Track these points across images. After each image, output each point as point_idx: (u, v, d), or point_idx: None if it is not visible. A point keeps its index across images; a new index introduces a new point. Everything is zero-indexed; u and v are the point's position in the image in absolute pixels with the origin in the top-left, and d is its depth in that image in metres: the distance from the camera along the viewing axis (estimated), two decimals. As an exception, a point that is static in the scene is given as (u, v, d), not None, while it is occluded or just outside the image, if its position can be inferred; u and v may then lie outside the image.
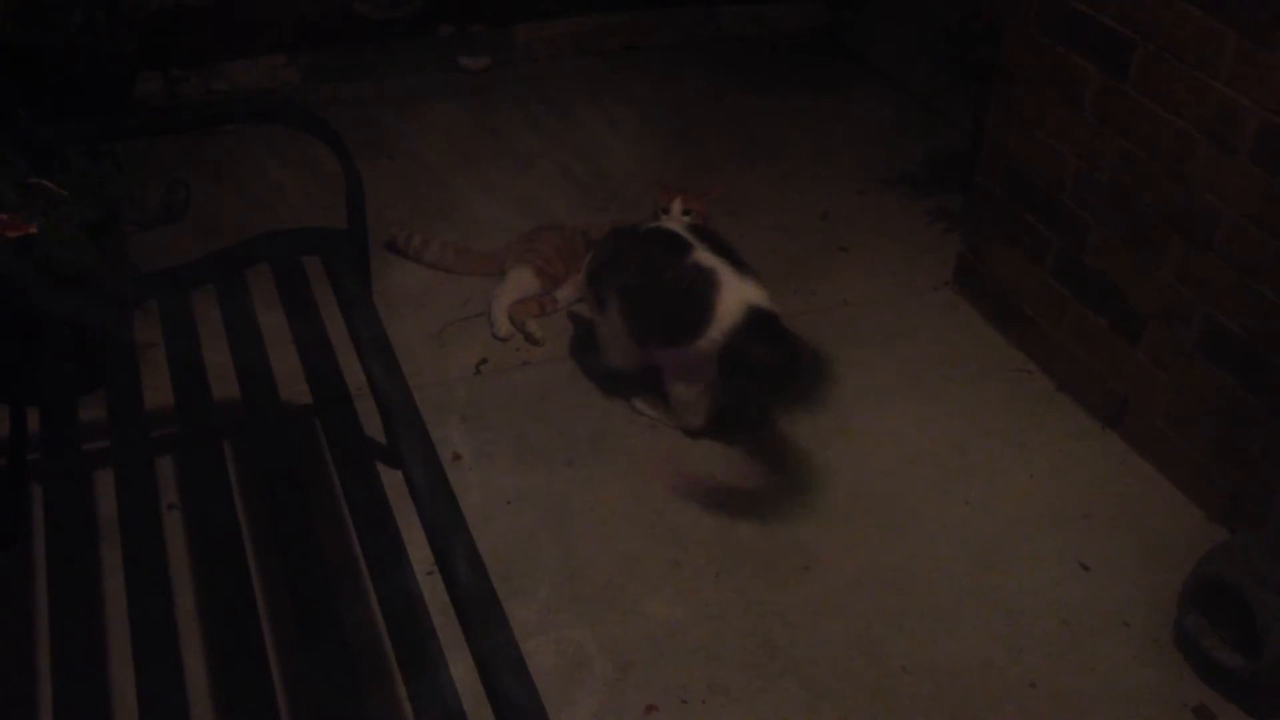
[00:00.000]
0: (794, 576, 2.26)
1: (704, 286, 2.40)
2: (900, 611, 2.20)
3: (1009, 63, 2.71)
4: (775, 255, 3.14)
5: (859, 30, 4.37)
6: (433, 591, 1.59)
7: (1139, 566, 2.30)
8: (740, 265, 2.46)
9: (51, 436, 1.86)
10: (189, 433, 1.94)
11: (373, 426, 2.11)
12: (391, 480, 1.78)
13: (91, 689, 1.50)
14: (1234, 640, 2.02)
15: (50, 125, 2.41)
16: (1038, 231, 2.73)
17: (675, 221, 2.63)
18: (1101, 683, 2.08)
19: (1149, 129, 2.36)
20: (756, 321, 2.38)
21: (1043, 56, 2.60)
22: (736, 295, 2.39)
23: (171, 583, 1.69)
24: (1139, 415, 2.55)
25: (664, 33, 4.33)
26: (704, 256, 2.44)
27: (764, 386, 2.52)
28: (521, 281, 2.93)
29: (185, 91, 3.71)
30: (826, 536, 2.35)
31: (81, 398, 2.01)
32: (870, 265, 3.20)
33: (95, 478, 2.17)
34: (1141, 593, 2.25)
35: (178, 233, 3.10)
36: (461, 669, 1.47)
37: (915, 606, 2.21)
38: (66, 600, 1.57)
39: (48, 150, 2.37)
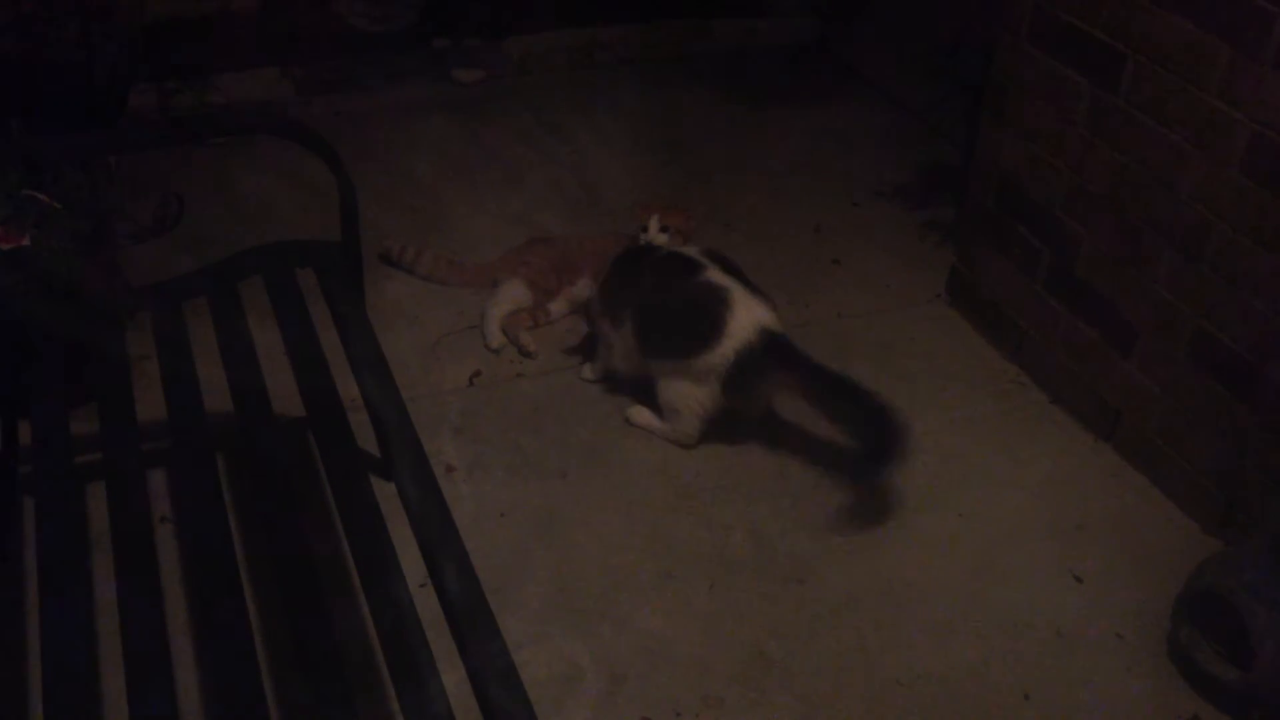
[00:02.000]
0: (787, 589, 2.26)
1: (715, 303, 2.42)
2: (894, 623, 2.20)
3: (1001, 75, 2.72)
4: (768, 268, 3.13)
5: (852, 43, 4.38)
6: (426, 603, 1.58)
7: (1133, 578, 2.31)
8: (751, 286, 2.48)
9: (43, 449, 1.86)
10: (181, 445, 1.94)
11: (366, 439, 2.10)
12: (384, 493, 1.78)
13: (83, 703, 1.49)
14: (1227, 652, 2.02)
15: (43, 138, 2.42)
16: (1030, 244, 2.74)
17: (690, 246, 2.65)
18: (1095, 695, 2.08)
19: (1140, 141, 2.37)
20: (769, 345, 2.40)
21: (1035, 69, 2.61)
22: (749, 315, 2.41)
23: (164, 596, 1.68)
24: (1132, 427, 2.56)
25: (658, 46, 4.34)
26: (716, 275, 2.46)
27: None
28: (514, 294, 2.93)
29: (179, 104, 3.71)
30: (820, 548, 2.35)
31: (73, 410, 2.01)
32: (863, 278, 3.21)
33: (87, 491, 2.16)
34: (1135, 605, 2.25)
35: (170, 246, 3.09)
36: (454, 681, 1.47)
37: (909, 618, 2.21)
38: (58, 613, 1.57)
39: (41, 163, 2.38)
